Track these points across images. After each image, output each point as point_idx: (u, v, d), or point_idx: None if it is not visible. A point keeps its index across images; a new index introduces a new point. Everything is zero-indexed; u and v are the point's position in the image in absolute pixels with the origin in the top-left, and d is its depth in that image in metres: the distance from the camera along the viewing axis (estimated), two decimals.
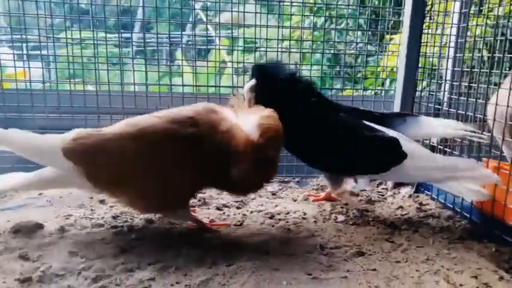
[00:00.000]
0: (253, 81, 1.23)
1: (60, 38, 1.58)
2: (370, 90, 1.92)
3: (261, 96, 1.21)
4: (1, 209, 1.28)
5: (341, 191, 1.39)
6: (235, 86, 1.67)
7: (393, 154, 1.21)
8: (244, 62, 1.69)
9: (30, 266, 0.93)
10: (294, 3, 1.68)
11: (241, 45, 1.77)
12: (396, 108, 1.61)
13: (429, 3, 1.60)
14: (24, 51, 1.71)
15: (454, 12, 1.63)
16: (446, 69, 1.66)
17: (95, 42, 1.56)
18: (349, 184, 1.42)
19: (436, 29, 1.60)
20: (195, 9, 1.89)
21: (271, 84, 1.24)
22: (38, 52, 1.62)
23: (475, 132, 1.28)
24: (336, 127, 1.26)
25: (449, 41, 1.61)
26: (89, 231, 1.12)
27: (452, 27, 1.61)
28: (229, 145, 1.01)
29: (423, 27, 1.56)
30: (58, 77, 1.74)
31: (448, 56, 1.63)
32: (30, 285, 0.86)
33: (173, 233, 1.15)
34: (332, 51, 1.89)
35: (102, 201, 1.34)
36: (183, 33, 1.76)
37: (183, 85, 1.66)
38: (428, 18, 1.60)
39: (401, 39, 1.61)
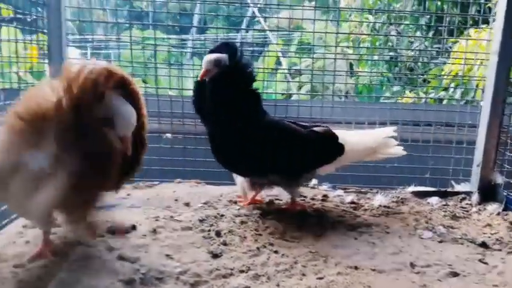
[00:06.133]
0: (224, 56, 1.20)
1: (122, 38, 1.63)
2: (431, 97, 1.86)
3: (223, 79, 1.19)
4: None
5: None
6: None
7: (336, 144, 1.30)
8: (310, 70, 1.67)
9: (130, 267, 0.98)
10: (353, 9, 1.67)
11: (296, 48, 1.76)
12: (484, 120, 1.53)
13: None
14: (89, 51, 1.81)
15: None
16: None
17: (169, 46, 1.62)
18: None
19: None
20: (257, 17, 1.89)
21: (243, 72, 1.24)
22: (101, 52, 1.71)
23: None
24: (282, 130, 1.29)
25: None
26: (179, 234, 1.16)
27: None
28: None
29: None
30: None
31: None
32: (134, 287, 0.91)
33: (258, 240, 1.16)
34: (392, 54, 1.84)
35: (187, 204, 1.38)
36: (243, 33, 1.77)
37: None
38: None
39: (491, 47, 1.53)
